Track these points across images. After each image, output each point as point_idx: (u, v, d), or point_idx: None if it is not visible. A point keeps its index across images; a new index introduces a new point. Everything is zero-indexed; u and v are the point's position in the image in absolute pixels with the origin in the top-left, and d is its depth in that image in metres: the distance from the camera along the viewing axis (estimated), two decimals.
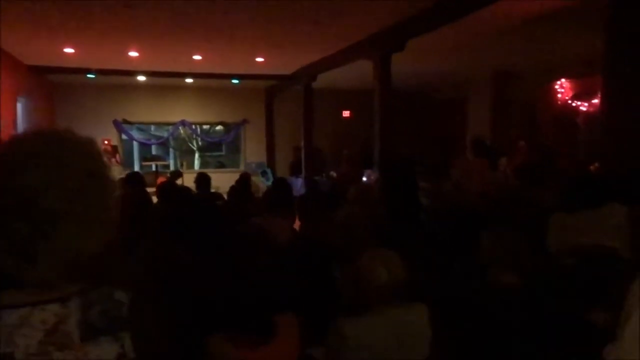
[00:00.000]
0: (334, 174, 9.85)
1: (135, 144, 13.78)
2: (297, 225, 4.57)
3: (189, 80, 10.70)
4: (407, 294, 1.99)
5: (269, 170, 11.86)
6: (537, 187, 3.50)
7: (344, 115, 12.63)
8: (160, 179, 8.23)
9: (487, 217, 2.43)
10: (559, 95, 8.68)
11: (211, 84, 11.33)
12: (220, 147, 16.75)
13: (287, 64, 9.48)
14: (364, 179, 7.78)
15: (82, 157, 0.95)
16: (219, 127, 14.08)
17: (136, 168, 12.89)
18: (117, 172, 8.83)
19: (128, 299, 0.94)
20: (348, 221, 3.21)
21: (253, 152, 12.77)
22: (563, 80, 8.61)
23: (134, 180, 5.21)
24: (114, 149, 10.96)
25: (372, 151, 7.26)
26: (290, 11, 5.96)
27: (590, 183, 2.79)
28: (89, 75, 9.55)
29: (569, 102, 8.55)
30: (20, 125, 8.46)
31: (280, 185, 5.23)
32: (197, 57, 8.66)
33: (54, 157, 0.90)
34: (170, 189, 5.17)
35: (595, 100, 7.52)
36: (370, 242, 2.32)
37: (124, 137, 12.01)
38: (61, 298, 0.89)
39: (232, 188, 5.85)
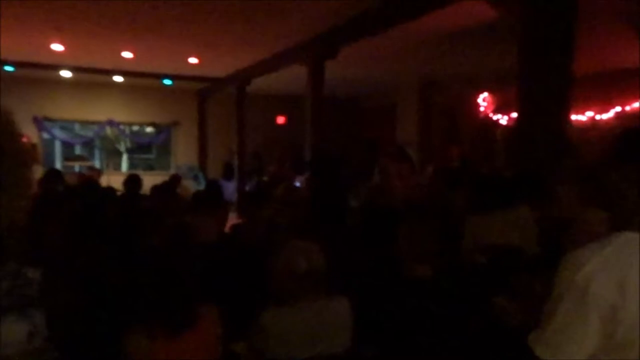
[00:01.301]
0: (267, 178, 9.85)
1: (57, 143, 13.07)
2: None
3: (118, 78, 10.32)
4: (328, 286, 2.03)
5: (200, 175, 11.65)
6: (454, 190, 3.69)
7: (278, 121, 12.66)
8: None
9: (404, 215, 2.54)
10: (482, 108, 9.20)
11: (142, 83, 10.99)
12: (149, 149, 16.22)
13: (221, 67, 9.40)
14: (297, 184, 7.85)
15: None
16: (149, 129, 13.67)
17: (58, 167, 12.24)
18: (36, 172, 8.37)
19: (39, 276, 0.91)
20: (273, 218, 3.24)
21: (184, 154, 12.49)
22: (486, 94, 9.13)
23: (51, 178, 4.96)
24: (33, 146, 10.35)
25: (303, 154, 7.35)
26: (223, 10, 5.93)
27: (501, 186, 2.99)
28: (5, 68, 8.99)
29: (490, 115, 9.08)
30: None
31: (211, 186, 5.17)
32: (127, 55, 8.39)
33: None
34: (92, 187, 4.96)
35: (514, 114, 8.04)
36: (294, 237, 2.35)
37: (45, 135, 11.37)
38: None
39: (155, 187, 5.68)
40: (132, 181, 5.24)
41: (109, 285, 1.92)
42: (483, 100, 9.23)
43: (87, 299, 1.05)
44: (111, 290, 1.89)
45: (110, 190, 4.88)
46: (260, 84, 9.54)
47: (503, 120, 8.91)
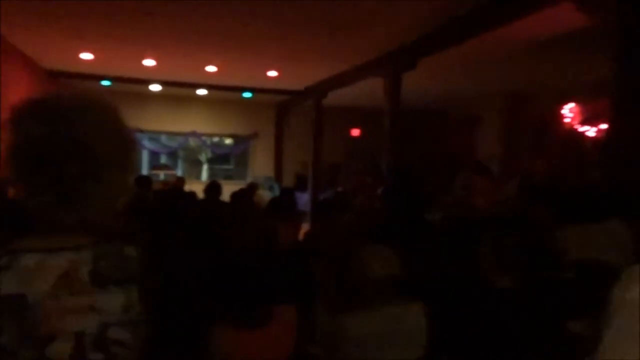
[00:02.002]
0: (341, 189, 9.89)
1: (145, 152, 13.95)
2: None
3: (202, 92, 10.86)
4: (404, 292, 2.02)
5: (275, 185, 11.92)
6: (538, 203, 3.53)
7: (352, 133, 12.73)
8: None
9: (486, 227, 2.46)
10: (568, 120, 8.73)
11: (223, 96, 11.48)
12: (228, 160, 16.87)
13: (299, 80, 9.62)
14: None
15: (118, 114, 1.05)
16: (228, 140, 14.22)
17: None
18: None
19: (137, 255, 0.99)
20: (350, 226, 3.26)
21: (261, 166, 12.85)
22: (572, 104, 8.66)
23: (142, 183, 5.29)
24: None
25: (381, 167, 7.32)
26: (304, 24, 6.09)
27: (592, 199, 2.82)
28: (104, 83, 9.74)
29: (577, 126, 8.60)
30: None
31: (285, 194, 5.29)
32: (211, 69, 8.82)
33: (101, 110, 1.01)
34: (176, 193, 5.23)
35: (603, 125, 7.56)
36: (369, 243, 2.35)
37: None
38: (75, 247, 0.95)
39: (234, 194, 5.89)
40: (213, 188, 5.47)
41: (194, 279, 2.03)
42: (569, 111, 8.76)
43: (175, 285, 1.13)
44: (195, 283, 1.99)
45: (193, 194, 5.12)
46: (336, 96, 9.66)
47: (591, 132, 8.41)
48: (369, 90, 8.19)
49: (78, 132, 0.95)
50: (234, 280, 1.97)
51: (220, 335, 1.87)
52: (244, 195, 6.03)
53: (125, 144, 1.02)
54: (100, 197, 0.97)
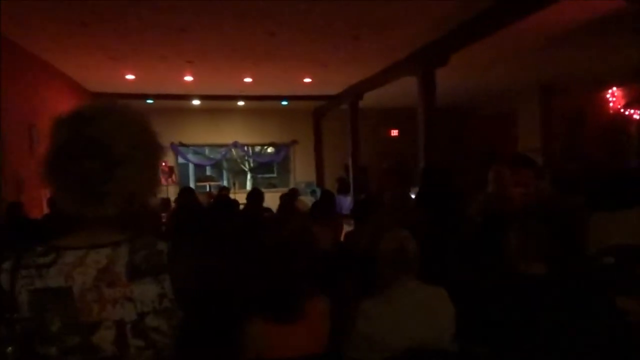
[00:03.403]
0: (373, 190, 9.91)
1: (191, 165, 14.41)
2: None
3: (240, 103, 11.13)
4: (423, 275, 2.12)
5: (317, 190, 12.04)
6: (570, 191, 3.46)
7: (391, 133, 12.71)
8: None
9: (517, 217, 2.45)
10: (610, 104, 8.42)
11: (261, 106, 11.73)
12: (271, 169, 17.16)
13: (334, 84, 9.72)
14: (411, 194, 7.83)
15: (139, 117, 1.16)
16: (270, 149, 14.47)
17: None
18: (173, 191, 9.31)
19: (167, 249, 1.09)
20: (377, 224, 3.32)
21: (303, 172, 13.02)
22: (614, 88, 8.35)
23: (185, 193, 5.51)
24: (170, 169, 11.51)
25: (411, 165, 7.30)
26: (333, 31, 6.18)
27: (629, 183, 2.75)
28: (147, 101, 10.15)
29: (621, 110, 8.27)
30: None
31: (325, 197, 5.38)
32: (247, 80, 9.05)
33: (121, 113, 1.12)
34: (221, 200, 5.41)
35: None
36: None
37: (180, 159, 12.58)
38: (112, 243, 1.06)
39: (280, 204, 6.05)
40: (254, 194, 5.62)
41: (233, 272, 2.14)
42: (611, 95, 8.44)
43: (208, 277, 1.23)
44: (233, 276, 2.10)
45: (235, 202, 5.29)
46: (372, 98, 9.69)
47: (637, 115, 8.07)
48: (406, 89, 8.19)
49: (94, 133, 1.05)
50: (268, 276, 2.08)
51: (253, 330, 1.98)
52: (286, 201, 6.17)
53: (142, 145, 1.10)
54: (117, 194, 1.06)
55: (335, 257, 3.57)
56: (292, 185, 12.87)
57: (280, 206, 5.89)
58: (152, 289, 1.04)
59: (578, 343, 1.78)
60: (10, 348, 0.99)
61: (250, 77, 8.87)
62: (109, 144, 1.05)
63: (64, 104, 7.64)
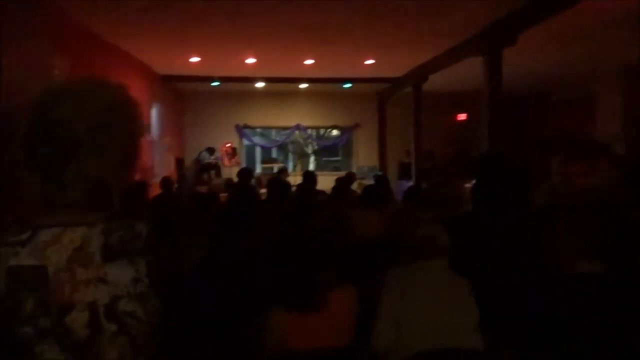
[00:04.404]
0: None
1: (258, 147, 14.71)
2: None
3: (302, 86, 11.12)
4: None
5: (380, 174, 11.87)
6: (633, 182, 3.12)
7: (458, 118, 12.24)
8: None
9: (571, 211, 2.22)
10: None
11: (324, 89, 11.67)
12: (336, 152, 17.12)
13: (398, 66, 9.46)
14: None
15: (107, 95, 1.06)
16: (335, 132, 14.42)
17: (257, 169, 13.68)
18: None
19: (146, 231, 1.04)
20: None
21: (365, 156, 12.88)
22: None
23: (243, 174, 5.61)
24: (234, 150, 11.79)
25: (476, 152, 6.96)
26: (395, 10, 5.97)
27: None
28: (213, 83, 10.38)
29: None
30: (155, 128, 9.46)
31: (378, 182, 5.26)
32: (309, 62, 8.99)
33: (82, 93, 1.04)
34: (274, 182, 5.45)
35: None
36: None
37: (245, 141, 12.84)
38: (88, 222, 1.02)
39: (333, 187, 6.00)
40: (308, 177, 5.61)
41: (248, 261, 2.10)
42: None
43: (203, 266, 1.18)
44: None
45: (288, 184, 5.30)
46: (438, 81, 9.34)
47: None
48: (472, 72, 7.81)
49: (53, 115, 1.00)
50: (290, 263, 2.02)
51: (273, 319, 1.92)
52: (340, 185, 6.11)
53: (107, 125, 1.03)
54: (80, 180, 1.01)
55: (381, 244, 3.46)
56: (354, 169, 12.79)
57: (334, 189, 5.83)
58: (126, 272, 1.00)
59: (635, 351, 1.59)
60: None
61: (312, 59, 8.81)
62: (67, 127, 1.00)
63: (134, 88, 7.95)
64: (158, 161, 9.47)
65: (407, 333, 1.99)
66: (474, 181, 5.91)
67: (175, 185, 8.50)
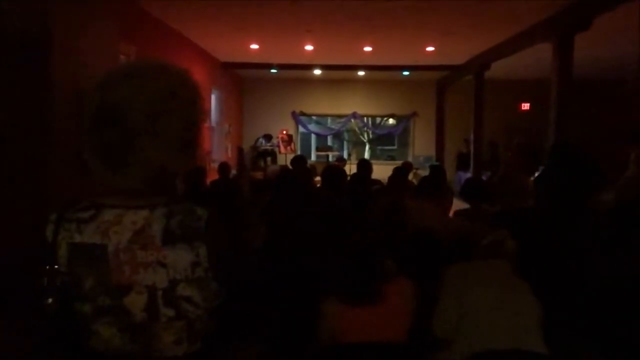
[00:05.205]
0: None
1: (313, 135, 14.73)
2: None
3: (360, 73, 11.00)
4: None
5: (436, 164, 11.59)
6: None
7: (522, 107, 11.73)
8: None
9: None
10: None
11: (381, 77, 11.49)
12: (392, 141, 16.90)
13: (459, 53, 9.15)
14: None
15: (169, 80, 1.04)
16: (391, 120, 14.21)
17: (312, 157, 13.71)
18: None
19: (206, 215, 1.03)
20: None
21: (422, 145, 12.62)
22: None
23: (296, 161, 5.62)
24: (290, 137, 11.86)
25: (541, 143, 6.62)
26: None
27: None
28: (271, 70, 10.45)
29: None
30: (214, 114, 9.65)
31: (434, 172, 5.11)
32: (367, 49, 8.86)
33: (143, 77, 1.02)
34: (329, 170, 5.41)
35: None
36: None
37: (301, 128, 12.89)
38: (150, 205, 1.02)
39: (390, 177, 5.89)
40: (363, 165, 5.54)
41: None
42: None
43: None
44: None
45: (344, 173, 5.24)
46: (501, 69, 8.96)
47: None
48: (538, 59, 7.44)
49: (114, 100, 1.00)
50: (346, 254, 1.98)
51: (327, 311, 1.89)
52: (396, 175, 5.99)
53: (165, 113, 1.01)
54: (140, 166, 1.00)
55: (439, 236, 3.36)
56: (410, 159, 12.57)
57: (390, 179, 5.72)
58: (185, 256, 0.99)
59: None
60: (50, 300, 1.00)
61: (370, 46, 8.67)
62: (126, 113, 0.99)
63: (197, 74, 8.13)
64: (216, 147, 9.67)
65: (468, 329, 1.92)
66: (538, 173, 5.63)
67: (234, 172, 8.67)
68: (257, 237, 2.26)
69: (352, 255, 1.95)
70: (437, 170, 5.18)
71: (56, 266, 1.00)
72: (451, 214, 4.61)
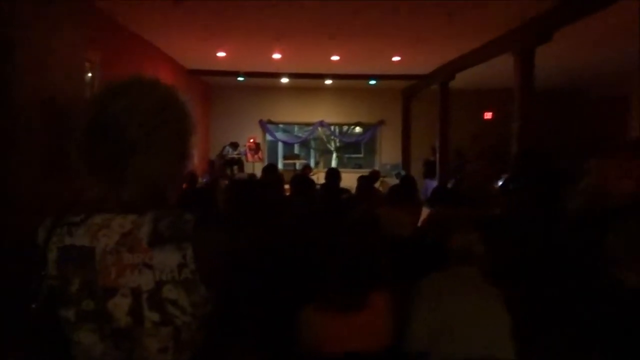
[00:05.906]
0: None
1: (280, 143, 14.69)
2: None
3: (327, 82, 11.06)
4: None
5: (402, 172, 11.75)
6: None
7: (485, 116, 12.03)
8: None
9: (619, 217, 2.12)
10: None
11: (349, 85, 11.59)
12: (358, 149, 17.04)
13: (424, 63, 9.33)
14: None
15: (160, 94, 1.07)
16: (357, 129, 14.33)
17: (280, 165, 13.65)
18: (259, 168, 9.51)
19: (194, 219, 1.03)
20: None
21: (389, 153, 12.76)
22: None
23: (268, 169, 5.58)
24: (257, 146, 11.80)
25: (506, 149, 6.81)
26: (423, 7, 5.86)
27: None
28: (239, 78, 10.39)
29: None
30: None
31: (405, 181, 5.17)
32: (335, 58, 8.93)
33: (138, 92, 1.04)
34: (299, 178, 5.40)
35: None
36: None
37: (268, 137, 12.84)
38: (139, 210, 1.02)
39: (357, 186, 5.92)
40: (332, 174, 5.56)
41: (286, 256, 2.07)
42: None
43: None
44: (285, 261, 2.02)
45: (312, 182, 5.24)
46: (465, 79, 9.19)
47: None
48: (501, 69, 7.65)
49: (111, 114, 1.00)
50: (329, 261, 1.97)
51: (310, 318, 1.88)
52: (364, 183, 6.04)
53: (159, 128, 1.03)
54: (136, 181, 1.01)
55: (410, 244, 3.39)
56: (377, 167, 12.69)
57: (358, 188, 5.76)
58: (172, 257, 0.99)
59: None
60: (33, 305, 1.00)
61: (338, 55, 8.74)
62: (123, 128, 1.00)
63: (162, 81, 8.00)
64: None
65: (442, 339, 1.94)
66: (502, 180, 5.76)
67: (202, 180, 8.54)
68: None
69: (340, 260, 1.94)
70: (407, 179, 5.24)
71: (43, 272, 1.01)
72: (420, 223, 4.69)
